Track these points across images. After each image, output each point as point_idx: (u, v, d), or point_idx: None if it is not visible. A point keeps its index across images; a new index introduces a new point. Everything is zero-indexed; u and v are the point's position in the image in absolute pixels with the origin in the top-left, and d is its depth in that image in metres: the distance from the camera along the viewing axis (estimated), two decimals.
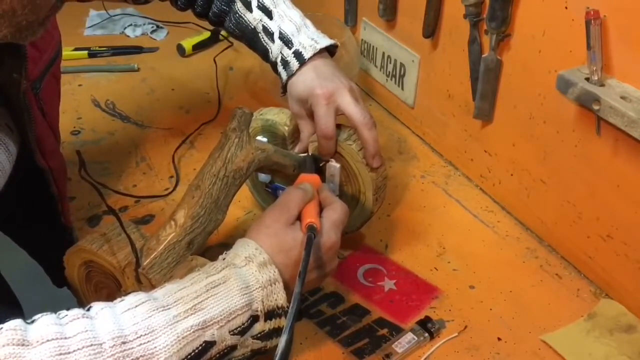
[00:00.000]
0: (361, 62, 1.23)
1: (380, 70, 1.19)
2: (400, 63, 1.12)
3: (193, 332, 0.54)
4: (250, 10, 0.86)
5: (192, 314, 0.55)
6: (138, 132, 1.14)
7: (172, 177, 1.02)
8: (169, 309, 0.55)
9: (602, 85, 0.72)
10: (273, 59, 0.85)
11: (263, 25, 0.85)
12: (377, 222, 0.94)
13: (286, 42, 0.84)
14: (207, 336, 0.55)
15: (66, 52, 1.37)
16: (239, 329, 0.57)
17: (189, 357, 0.54)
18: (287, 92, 0.86)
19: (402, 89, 1.14)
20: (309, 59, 0.82)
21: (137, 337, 0.52)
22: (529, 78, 0.86)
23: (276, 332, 0.61)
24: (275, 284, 0.60)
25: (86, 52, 1.37)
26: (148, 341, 0.52)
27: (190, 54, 1.38)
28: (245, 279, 0.59)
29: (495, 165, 0.97)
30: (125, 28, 1.47)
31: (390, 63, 1.15)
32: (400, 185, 1.02)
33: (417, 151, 1.11)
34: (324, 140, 0.80)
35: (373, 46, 1.19)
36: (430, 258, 0.88)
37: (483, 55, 0.90)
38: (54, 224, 0.90)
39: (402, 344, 0.74)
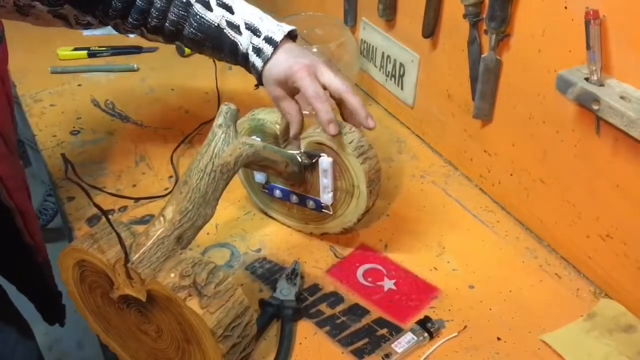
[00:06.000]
0: (361, 62, 1.23)
1: (380, 70, 1.19)
2: (400, 63, 1.12)
3: None
4: (211, 10, 0.86)
5: None
6: (137, 132, 1.14)
7: (171, 177, 1.02)
8: None
9: (602, 85, 0.72)
10: (244, 51, 0.85)
11: (227, 20, 0.85)
12: (377, 222, 0.94)
13: (254, 30, 0.85)
14: None
15: (66, 52, 1.38)
16: None
17: None
18: (262, 84, 0.86)
19: (402, 88, 1.14)
20: (281, 41, 0.83)
21: None
22: (528, 78, 0.86)
23: None
24: None
25: (86, 52, 1.37)
26: None
27: (190, 53, 1.38)
28: None
29: (495, 165, 0.97)
30: None
31: (389, 63, 1.15)
32: (400, 185, 1.02)
33: (416, 151, 1.11)
34: (320, 104, 0.79)
35: (372, 46, 1.19)
36: (430, 258, 0.88)
37: (482, 55, 0.90)
38: (16, 243, 0.82)
39: (402, 343, 0.74)
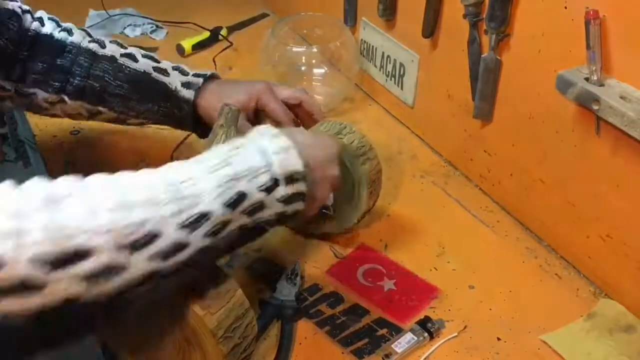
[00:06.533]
0: (361, 62, 1.23)
1: (380, 70, 1.19)
2: (400, 63, 1.12)
3: (228, 181, 0.56)
4: (136, 61, 0.89)
5: (224, 166, 0.57)
6: (137, 132, 1.13)
7: None
8: (203, 162, 0.58)
9: (602, 85, 0.72)
10: (172, 88, 0.88)
11: (153, 67, 0.89)
12: (377, 222, 0.94)
13: (181, 71, 0.90)
14: (240, 187, 0.57)
15: None
16: (263, 186, 0.59)
17: (227, 203, 0.56)
18: (195, 124, 0.91)
19: (402, 88, 1.14)
20: (210, 76, 0.90)
21: (182, 182, 0.54)
22: (528, 78, 0.86)
23: (296, 196, 0.61)
24: (289, 151, 0.61)
25: None
26: (193, 184, 0.55)
27: (190, 54, 1.38)
28: (260, 145, 0.61)
29: (495, 165, 0.97)
30: (124, 28, 1.47)
31: (389, 63, 1.15)
32: (400, 185, 1.02)
33: (416, 151, 1.11)
34: (290, 123, 0.88)
35: (373, 46, 1.19)
36: (430, 258, 0.88)
37: (482, 55, 0.90)
38: None
39: (402, 344, 0.74)
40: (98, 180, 0.52)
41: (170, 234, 0.51)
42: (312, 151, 0.64)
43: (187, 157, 1.03)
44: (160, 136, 1.12)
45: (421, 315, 0.79)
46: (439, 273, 0.86)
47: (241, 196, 0.57)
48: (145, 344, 0.71)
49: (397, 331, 0.77)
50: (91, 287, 0.47)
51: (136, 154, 1.08)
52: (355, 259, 0.88)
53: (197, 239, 0.53)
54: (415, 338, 0.75)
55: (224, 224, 0.56)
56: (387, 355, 0.73)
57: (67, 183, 0.50)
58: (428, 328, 0.76)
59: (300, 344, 0.76)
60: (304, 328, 0.77)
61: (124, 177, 0.53)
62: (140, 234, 0.50)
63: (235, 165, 0.58)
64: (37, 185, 0.49)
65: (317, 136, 0.71)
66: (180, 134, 1.11)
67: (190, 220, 0.53)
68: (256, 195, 0.58)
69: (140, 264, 0.50)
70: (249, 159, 0.59)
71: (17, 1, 0.86)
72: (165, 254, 0.51)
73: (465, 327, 0.78)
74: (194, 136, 1.10)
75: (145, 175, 0.54)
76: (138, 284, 0.50)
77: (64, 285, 0.46)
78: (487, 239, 0.92)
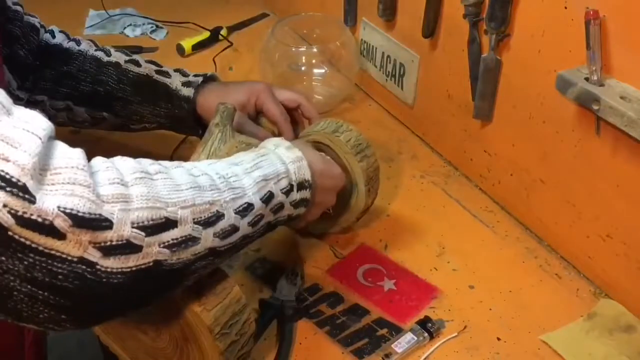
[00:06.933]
0: (361, 62, 1.23)
1: (380, 70, 1.19)
2: (400, 63, 1.12)
3: (261, 181, 0.63)
4: (139, 66, 0.93)
5: (255, 169, 0.64)
6: (138, 132, 1.13)
7: None
8: (238, 165, 0.64)
9: (602, 85, 0.72)
10: (173, 88, 0.91)
11: (155, 70, 0.93)
12: (377, 222, 0.94)
13: (182, 73, 0.93)
14: (269, 187, 0.64)
15: None
16: (284, 189, 0.66)
17: (263, 199, 0.63)
18: (194, 124, 0.92)
19: (402, 88, 1.14)
20: (210, 76, 0.93)
21: (229, 177, 0.60)
22: (528, 78, 0.86)
23: (302, 201, 0.69)
24: (302, 161, 0.69)
25: None
26: (238, 179, 0.61)
27: (190, 54, 1.38)
28: (279, 155, 0.68)
29: (495, 165, 0.97)
30: (124, 28, 1.47)
31: (389, 63, 1.15)
32: (400, 185, 1.02)
33: (416, 151, 1.10)
34: (286, 125, 0.90)
35: (373, 46, 1.19)
36: (430, 258, 0.88)
37: (482, 55, 0.90)
38: None
39: (402, 344, 0.74)
40: (172, 163, 0.58)
41: (230, 217, 0.58)
42: (317, 168, 0.72)
43: (187, 157, 1.03)
44: (160, 136, 1.12)
45: (421, 315, 0.79)
46: (439, 273, 0.86)
47: (270, 195, 0.64)
48: (143, 341, 0.71)
49: (397, 331, 0.77)
50: (173, 253, 0.52)
51: (136, 154, 1.07)
52: (355, 259, 0.88)
53: (244, 226, 0.60)
54: (415, 338, 0.75)
55: (261, 216, 0.62)
56: (387, 355, 0.73)
57: (151, 161, 0.56)
58: (428, 328, 0.76)
59: (300, 344, 0.76)
60: (304, 328, 0.77)
61: (185, 165, 0.59)
62: (211, 212, 0.55)
63: (264, 169, 0.65)
64: (129, 161, 0.54)
65: (326, 159, 0.78)
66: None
67: (241, 208, 0.59)
68: (279, 197, 0.65)
69: (208, 238, 0.55)
70: (273, 165, 0.66)
71: (36, 17, 0.92)
72: (224, 234, 0.57)
73: (465, 327, 0.78)
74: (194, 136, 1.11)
75: (198, 167, 0.60)
76: (201, 257, 0.55)
77: (155, 249, 0.50)
78: (487, 239, 0.92)
